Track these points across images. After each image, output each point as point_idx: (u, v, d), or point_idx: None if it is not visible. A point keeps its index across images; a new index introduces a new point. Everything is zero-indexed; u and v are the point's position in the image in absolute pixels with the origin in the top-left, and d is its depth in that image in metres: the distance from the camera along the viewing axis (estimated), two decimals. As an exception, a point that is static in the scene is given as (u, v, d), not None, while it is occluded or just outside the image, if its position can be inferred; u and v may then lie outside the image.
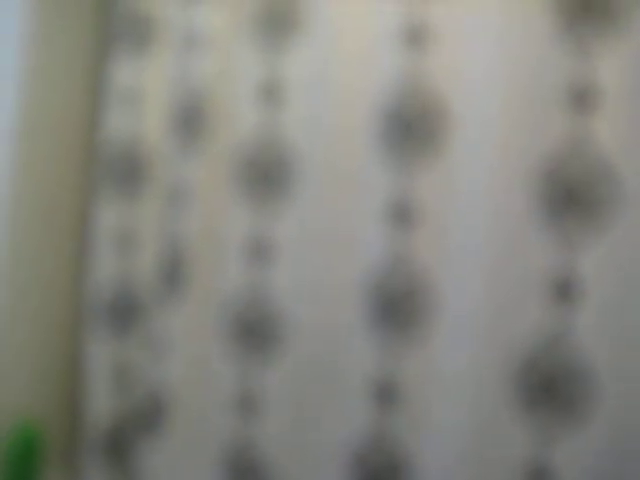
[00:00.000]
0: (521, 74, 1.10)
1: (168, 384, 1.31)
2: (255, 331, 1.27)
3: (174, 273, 1.33)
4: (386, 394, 1.17)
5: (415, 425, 1.15)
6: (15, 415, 1.32)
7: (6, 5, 1.32)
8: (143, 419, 1.34)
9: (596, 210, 1.07)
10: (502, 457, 1.09)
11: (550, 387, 1.08)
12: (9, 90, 1.32)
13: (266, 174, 1.28)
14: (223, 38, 1.33)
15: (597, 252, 1.06)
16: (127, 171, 1.40)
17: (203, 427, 1.28)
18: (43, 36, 1.35)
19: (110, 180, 1.40)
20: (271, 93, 1.28)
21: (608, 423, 1.05)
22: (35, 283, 1.35)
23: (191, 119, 1.33)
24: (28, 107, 1.33)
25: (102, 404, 1.38)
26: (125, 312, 1.40)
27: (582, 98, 1.07)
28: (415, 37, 1.18)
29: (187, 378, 1.30)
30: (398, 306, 1.18)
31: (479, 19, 1.14)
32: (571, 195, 1.08)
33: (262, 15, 1.30)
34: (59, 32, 1.38)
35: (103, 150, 1.42)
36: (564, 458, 1.06)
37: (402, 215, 1.18)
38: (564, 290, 1.07)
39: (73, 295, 1.42)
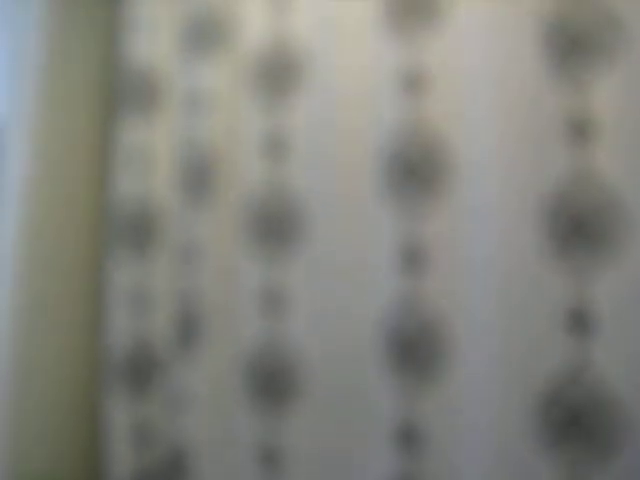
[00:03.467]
0: (519, 111, 1.10)
1: (188, 441, 1.30)
2: (273, 382, 1.26)
3: (190, 329, 1.33)
4: (408, 439, 1.16)
5: (440, 470, 1.14)
6: (35, 474, 1.31)
7: (18, 68, 1.36)
8: (164, 475, 1.33)
9: (605, 239, 1.06)
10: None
11: (576, 421, 1.06)
12: (20, 152, 1.34)
13: (275, 225, 1.29)
14: (226, 95, 1.35)
15: (610, 281, 1.05)
16: (138, 230, 1.42)
17: (227, 478, 1.27)
18: (52, 99, 1.38)
19: (122, 240, 1.42)
20: (276, 145, 1.30)
21: (637, 453, 1.03)
22: (52, 344, 1.36)
23: (199, 176, 1.35)
24: (38, 170, 1.35)
25: (122, 462, 1.37)
26: (142, 370, 1.40)
27: (580, 130, 1.08)
28: (414, 81, 1.20)
29: (207, 434, 1.29)
30: (414, 350, 1.17)
31: (475, 61, 1.15)
32: (579, 226, 1.08)
33: (263, 70, 1.32)
34: (67, 94, 1.41)
35: (113, 210, 1.44)
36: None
37: (412, 258, 1.18)
38: (580, 322, 1.06)
39: (90, 355, 1.43)
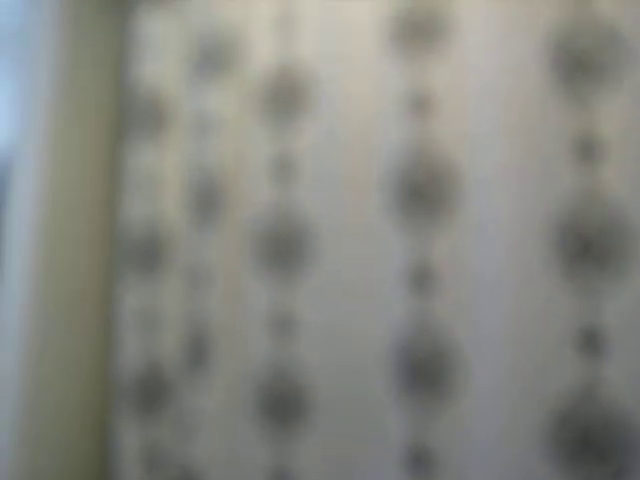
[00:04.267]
0: (525, 131, 1.11)
1: (198, 462, 1.30)
2: (282, 404, 1.26)
3: (199, 351, 1.33)
4: (419, 459, 1.15)
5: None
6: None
7: (28, 92, 1.37)
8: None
9: (614, 257, 1.07)
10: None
11: (586, 440, 1.06)
12: (30, 177, 1.35)
13: (283, 247, 1.29)
14: (234, 119, 1.36)
15: (619, 299, 1.05)
16: (148, 253, 1.42)
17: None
18: (61, 123, 1.39)
19: (131, 262, 1.42)
20: (283, 168, 1.31)
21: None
22: (63, 366, 1.36)
23: (207, 199, 1.36)
24: (48, 194, 1.36)
25: (133, 486, 1.37)
26: (153, 392, 1.40)
27: (587, 149, 1.08)
28: (420, 103, 1.20)
29: (216, 456, 1.29)
30: (424, 370, 1.17)
31: (480, 81, 1.16)
32: (587, 245, 1.08)
33: (271, 94, 1.33)
34: (77, 118, 1.42)
35: (123, 233, 1.44)
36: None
37: (421, 278, 1.18)
38: (591, 340, 1.06)
39: (101, 377, 1.43)
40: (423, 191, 1.19)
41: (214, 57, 1.39)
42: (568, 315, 1.07)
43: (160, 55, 1.45)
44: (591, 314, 1.06)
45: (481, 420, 1.11)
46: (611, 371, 1.05)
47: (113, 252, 1.46)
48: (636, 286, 1.05)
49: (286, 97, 1.32)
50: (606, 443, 1.04)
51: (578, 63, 1.10)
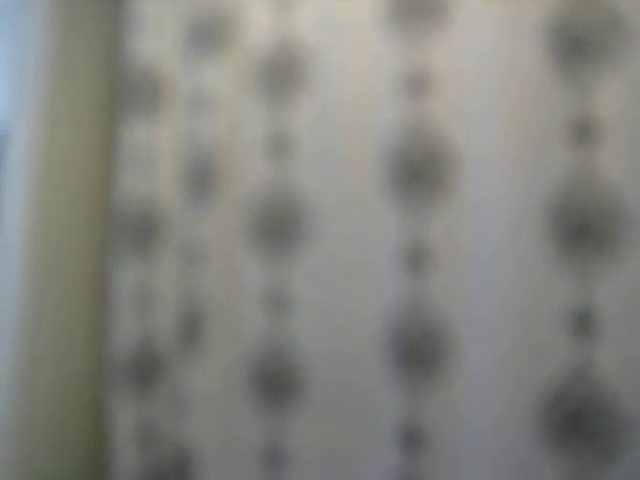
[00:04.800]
0: (522, 112, 1.11)
1: (192, 440, 1.30)
2: (276, 382, 1.27)
3: (193, 329, 1.33)
4: (412, 439, 1.16)
5: (443, 469, 1.14)
6: (41, 475, 1.32)
7: (22, 68, 1.36)
8: (169, 475, 1.34)
9: (608, 240, 1.07)
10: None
11: (578, 422, 1.07)
12: (23, 153, 1.35)
13: (279, 225, 1.29)
14: (229, 95, 1.35)
15: (613, 283, 1.06)
16: (142, 231, 1.42)
17: (231, 477, 1.28)
18: (55, 99, 1.38)
19: (126, 241, 1.42)
20: (279, 145, 1.30)
21: (637, 456, 1.04)
22: (57, 344, 1.37)
23: (203, 176, 1.35)
24: (42, 170, 1.35)
25: (128, 461, 1.38)
26: (147, 370, 1.40)
27: (583, 131, 1.08)
28: (417, 81, 1.20)
29: (211, 433, 1.30)
30: (418, 350, 1.17)
31: (477, 60, 1.15)
32: (582, 227, 1.08)
33: (266, 71, 1.32)
34: (71, 94, 1.41)
35: (118, 211, 1.44)
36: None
37: (416, 258, 1.18)
38: (584, 323, 1.07)
39: (95, 356, 1.43)
40: (419, 170, 1.19)
41: (209, 33, 1.38)
42: (562, 297, 1.07)
43: (155, 31, 1.44)
44: (585, 297, 1.07)
45: (474, 401, 1.12)
46: (603, 353, 1.05)
47: (108, 229, 1.46)
48: (630, 269, 1.05)
49: (282, 74, 1.31)
50: (598, 425, 1.05)
51: (576, 45, 1.09)
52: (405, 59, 1.21)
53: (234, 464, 1.28)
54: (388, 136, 1.21)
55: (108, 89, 1.48)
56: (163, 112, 1.44)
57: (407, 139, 1.20)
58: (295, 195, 1.28)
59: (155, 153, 1.43)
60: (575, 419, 1.07)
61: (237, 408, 1.29)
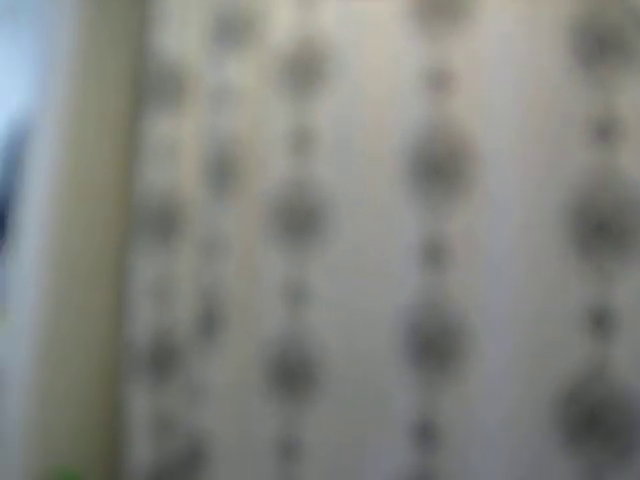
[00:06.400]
0: (542, 110, 1.11)
1: (207, 431, 1.31)
2: (293, 375, 1.27)
3: (212, 321, 1.34)
4: (426, 434, 1.16)
5: (457, 464, 1.14)
6: (58, 462, 1.33)
7: (50, 62, 1.37)
8: (183, 466, 1.35)
9: (628, 240, 1.06)
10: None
11: (594, 419, 1.06)
12: (49, 145, 1.36)
13: (299, 219, 1.30)
14: (252, 90, 1.36)
15: (630, 281, 1.05)
16: (163, 223, 1.43)
17: (243, 472, 1.28)
18: (82, 93, 1.40)
19: (147, 232, 1.43)
20: (301, 141, 1.31)
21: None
22: (77, 334, 1.38)
23: (224, 170, 1.36)
24: (67, 162, 1.37)
25: (143, 451, 1.39)
26: (164, 360, 1.41)
27: (603, 129, 1.08)
28: (439, 78, 1.20)
29: (226, 425, 1.30)
30: (434, 346, 1.17)
31: (498, 59, 1.15)
32: (601, 226, 1.08)
33: (290, 66, 1.33)
34: (97, 88, 1.43)
35: (140, 203, 1.45)
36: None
37: (434, 254, 1.18)
38: (600, 320, 1.06)
39: (113, 345, 1.44)
40: (438, 167, 1.19)
41: (233, 29, 1.39)
42: (578, 295, 1.07)
43: (180, 26, 1.45)
44: (601, 295, 1.06)
45: (488, 397, 1.12)
46: (619, 352, 1.05)
47: (129, 221, 1.47)
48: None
49: (305, 70, 1.32)
50: (613, 422, 1.05)
51: (597, 44, 1.09)
52: (427, 56, 1.21)
53: (248, 457, 1.28)
54: (409, 133, 1.21)
55: (133, 83, 1.50)
56: (186, 106, 1.45)
57: (427, 136, 1.20)
58: (316, 190, 1.29)
59: (178, 147, 1.44)
60: (590, 417, 1.06)
61: (253, 401, 1.29)
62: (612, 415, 1.05)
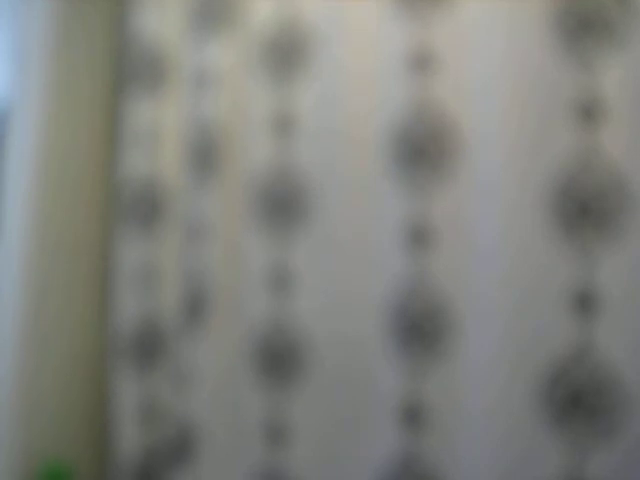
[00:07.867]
0: (526, 92, 1.11)
1: (195, 418, 1.31)
2: (279, 360, 1.27)
3: (197, 307, 1.34)
4: (412, 417, 1.17)
5: (444, 447, 1.15)
6: (44, 452, 1.33)
7: (25, 47, 1.36)
8: (171, 453, 1.35)
9: (611, 221, 1.07)
10: (535, 471, 1.08)
11: (579, 401, 1.07)
12: (27, 132, 1.35)
13: (282, 203, 1.29)
14: (233, 74, 1.35)
15: (615, 263, 1.06)
16: (146, 209, 1.42)
17: (231, 458, 1.28)
18: (59, 78, 1.38)
19: (130, 218, 1.42)
20: (283, 124, 1.30)
21: (638, 435, 1.04)
22: (61, 322, 1.37)
23: (206, 154, 1.35)
24: (46, 149, 1.36)
25: (131, 439, 1.39)
26: (150, 347, 1.41)
27: (587, 112, 1.08)
28: (420, 61, 1.19)
29: (214, 411, 1.31)
30: (419, 329, 1.18)
31: (481, 40, 1.15)
32: (584, 207, 1.08)
33: (271, 49, 1.32)
34: (75, 73, 1.41)
35: (121, 189, 1.44)
36: (596, 470, 1.05)
37: (418, 238, 1.18)
38: (585, 303, 1.07)
39: (98, 333, 1.44)
40: (422, 150, 1.19)
41: (214, 11, 1.37)
42: (563, 277, 1.08)
43: (159, 8, 1.44)
44: (586, 276, 1.07)
45: (475, 380, 1.12)
46: (604, 333, 1.05)
47: (111, 207, 1.46)
48: (632, 249, 1.05)
49: (287, 53, 1.31)
50: (598, 404, 1.06)
51: (581, 24, 1.09)
52: (408, 38, 1.20)
53: (237, 440, 1.29)
54: (391, 115, 1.21)
55: (113, 67, 1.48)
56: (167, 90, 1.43)
57: (410, 118, 1.20)
58: (298, 174, 1.28)
59: (158, 131, 1.42)
60: (576, 398, 1.07)
61: (240, 386, 1.30)
62: (597, 396, 1.06)
